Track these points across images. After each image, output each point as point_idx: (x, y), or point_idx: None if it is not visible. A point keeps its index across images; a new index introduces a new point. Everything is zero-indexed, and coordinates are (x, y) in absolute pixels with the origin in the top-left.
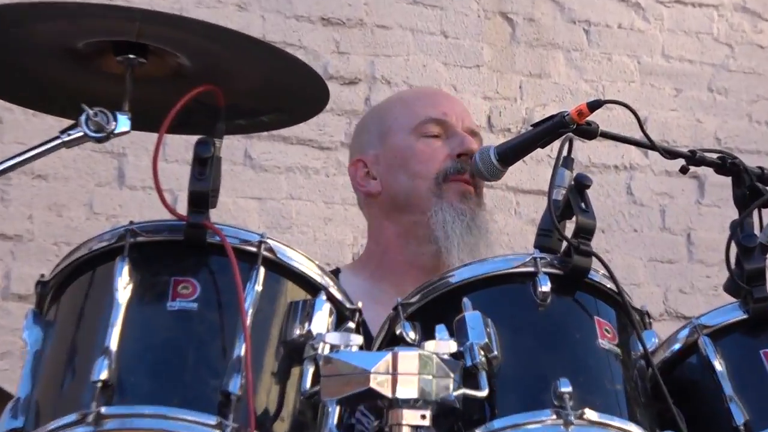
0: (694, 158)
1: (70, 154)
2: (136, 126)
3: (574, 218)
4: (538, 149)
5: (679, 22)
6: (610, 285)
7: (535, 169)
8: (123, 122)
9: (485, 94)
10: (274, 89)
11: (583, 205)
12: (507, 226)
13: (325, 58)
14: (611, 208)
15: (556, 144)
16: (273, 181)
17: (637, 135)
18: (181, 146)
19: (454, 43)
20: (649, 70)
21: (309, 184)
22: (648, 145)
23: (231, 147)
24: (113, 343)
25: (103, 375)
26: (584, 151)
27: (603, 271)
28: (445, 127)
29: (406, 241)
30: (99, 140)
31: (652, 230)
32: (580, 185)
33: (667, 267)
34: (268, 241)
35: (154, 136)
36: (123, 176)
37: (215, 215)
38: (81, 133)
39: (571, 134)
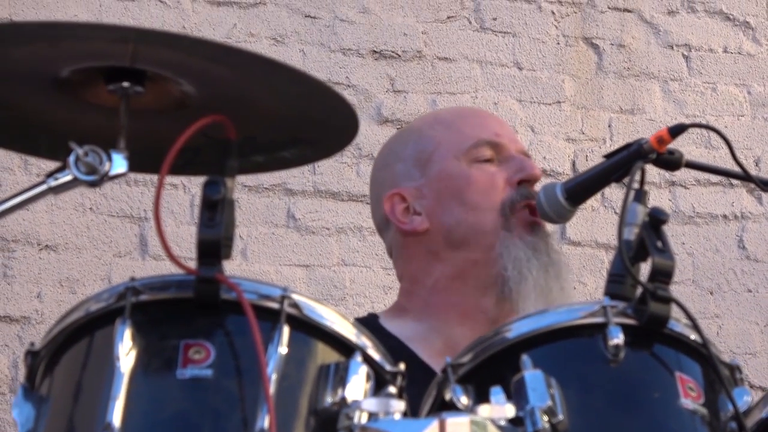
0: None
1: (83, 221)
2: (134, 167)
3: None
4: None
5: None
6: (693, 336)
7: None
8: (119, 162)
9: (568, 135)
10: (292, 118)
11: (659, 243)
12: (598, 289)
13: (378, 98)
14: (721, 266)
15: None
16: (322, 244)
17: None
18: None
19: (530, 75)
20: (761, 101)
21: (364, 247)
22: (743, 176)
23: (271, 207)
24: (116, 418)
25: None
26: (687, 198)
27: (685, 320)
28: (498, 149)
29: (463, 283)
30: (92, 184)
31: None
32: (655, 220)
33: None
34: (293, 295)
35: (180, 196)
36: (146, 244)
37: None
38: (70, 177)
39: (642, 162)
